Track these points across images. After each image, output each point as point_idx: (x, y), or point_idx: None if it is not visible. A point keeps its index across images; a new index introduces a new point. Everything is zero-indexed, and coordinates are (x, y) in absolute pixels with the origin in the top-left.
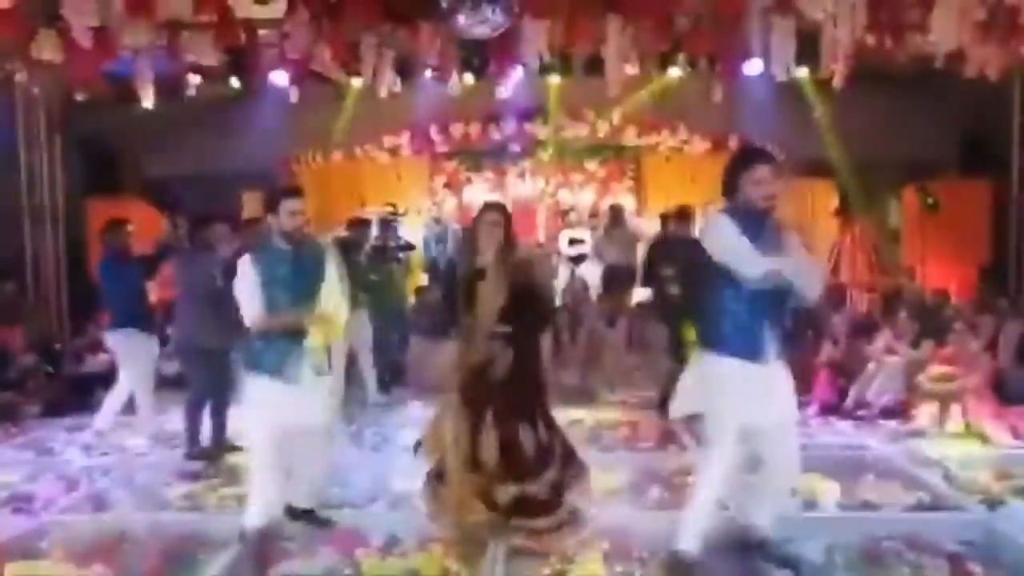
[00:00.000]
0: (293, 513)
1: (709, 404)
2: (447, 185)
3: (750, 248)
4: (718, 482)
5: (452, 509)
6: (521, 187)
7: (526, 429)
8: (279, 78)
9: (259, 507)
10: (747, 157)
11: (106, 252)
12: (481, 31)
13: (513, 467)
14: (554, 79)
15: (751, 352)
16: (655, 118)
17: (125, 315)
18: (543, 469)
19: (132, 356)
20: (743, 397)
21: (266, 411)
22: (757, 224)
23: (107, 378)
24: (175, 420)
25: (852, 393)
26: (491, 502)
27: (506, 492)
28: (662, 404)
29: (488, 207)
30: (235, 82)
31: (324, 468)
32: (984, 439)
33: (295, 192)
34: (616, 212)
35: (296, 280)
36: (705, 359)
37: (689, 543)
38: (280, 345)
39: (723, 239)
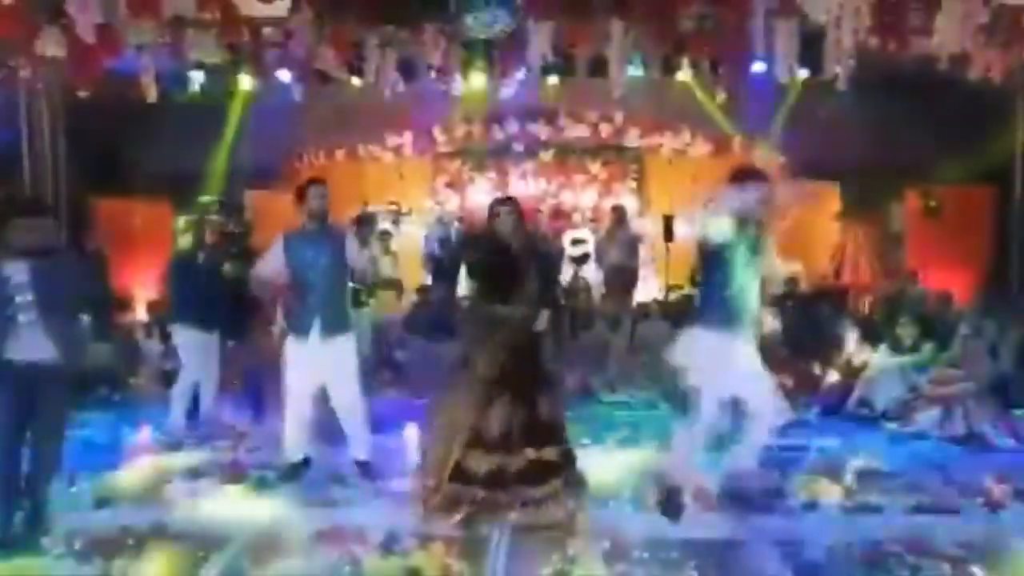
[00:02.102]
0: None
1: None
2: (449, 185)
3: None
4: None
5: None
6: (523, 187)
7: (543, 397)
8: (283, 76)
9: (290, 446)
10: (737, 175)
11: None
12: (486, 32)
13: (534, 434)
14: (557, 80)
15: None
16: (657, 120)
17: None
18: (558, 433)
19: None
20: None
21: (293, 365)
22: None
23: (108, 376)
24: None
25: (854, 395)
26: (500, 477)
27: (523, 457)
28: None
29: (502, 200)
30: (244, 81)
31: (358, 421)
32: (986, 442)
33: (321, 181)
34: (619, 213)
35: (316, 252)
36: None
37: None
38: (300, 309)
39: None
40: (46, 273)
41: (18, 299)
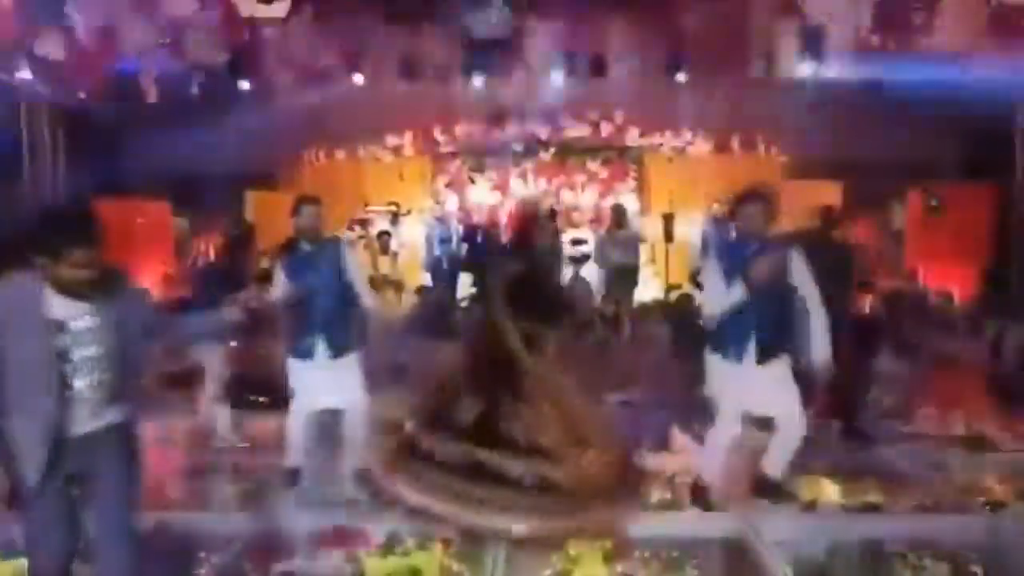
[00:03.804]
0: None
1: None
2: (449, 185)
3: (720, 292)
4: (721, 443)
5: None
6: (523, 187)
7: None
8: (283, 77)
9: (291, 456)
10: (739, 198)
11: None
12: (486, 32)
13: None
14: (558, 80)
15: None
16: (658, 119)
17: None
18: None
19: None
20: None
21: (299, 387)
22: (745, 248)
23: None
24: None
25: (855, 396)
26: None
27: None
28: None
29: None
30: (243, 82)
31: (365, 431)
32: (987, 442)
33: (313, 200)
34: (619, 213)
35: (314, 271)
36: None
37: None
38: (303, 331)
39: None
40: (119, 314)
41: (76, 355)
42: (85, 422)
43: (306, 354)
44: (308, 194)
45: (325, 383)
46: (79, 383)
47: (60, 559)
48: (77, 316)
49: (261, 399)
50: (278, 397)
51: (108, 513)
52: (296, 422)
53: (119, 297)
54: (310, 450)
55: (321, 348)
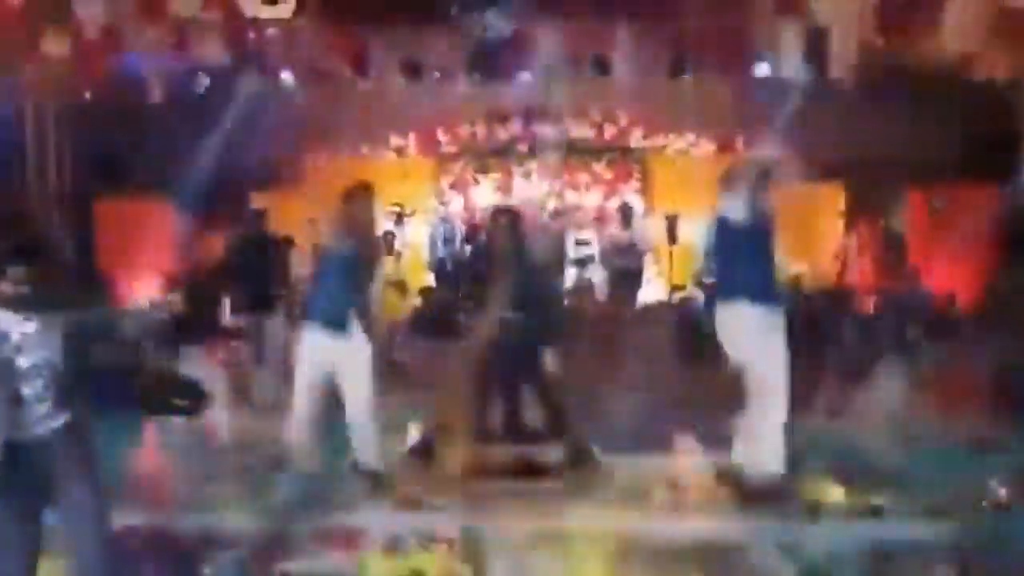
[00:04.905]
0: (356, 469)
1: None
2: (453, 186)
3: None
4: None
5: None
6: (527, 188)
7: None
8: (287, 77)
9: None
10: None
11: None
12: (489, 34)
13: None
14: (561, 80)
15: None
16: (662, 120)
17: None
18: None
19: None
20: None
21: (315, 356)
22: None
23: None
24: None
25: (857, 395)
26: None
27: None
28: None
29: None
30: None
31: (370, 422)
32: (988, 443)
33: (366, 187)
34: (626, 213)
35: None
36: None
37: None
38: (341, 302)
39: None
40: (65, 320)
41: (22, 362)
42: (36, 426)
43: (340, 324)
44: (360, 182)
45: (342, 355)
46: (27, 389)
47: (20, 570)
48: (19, 325)
49: (181, 402)
50: (198, 401)
51: (76, 517)
52: (303, 386)
53: (64, 302)
54: (313, 448)
55: (354, 320)
